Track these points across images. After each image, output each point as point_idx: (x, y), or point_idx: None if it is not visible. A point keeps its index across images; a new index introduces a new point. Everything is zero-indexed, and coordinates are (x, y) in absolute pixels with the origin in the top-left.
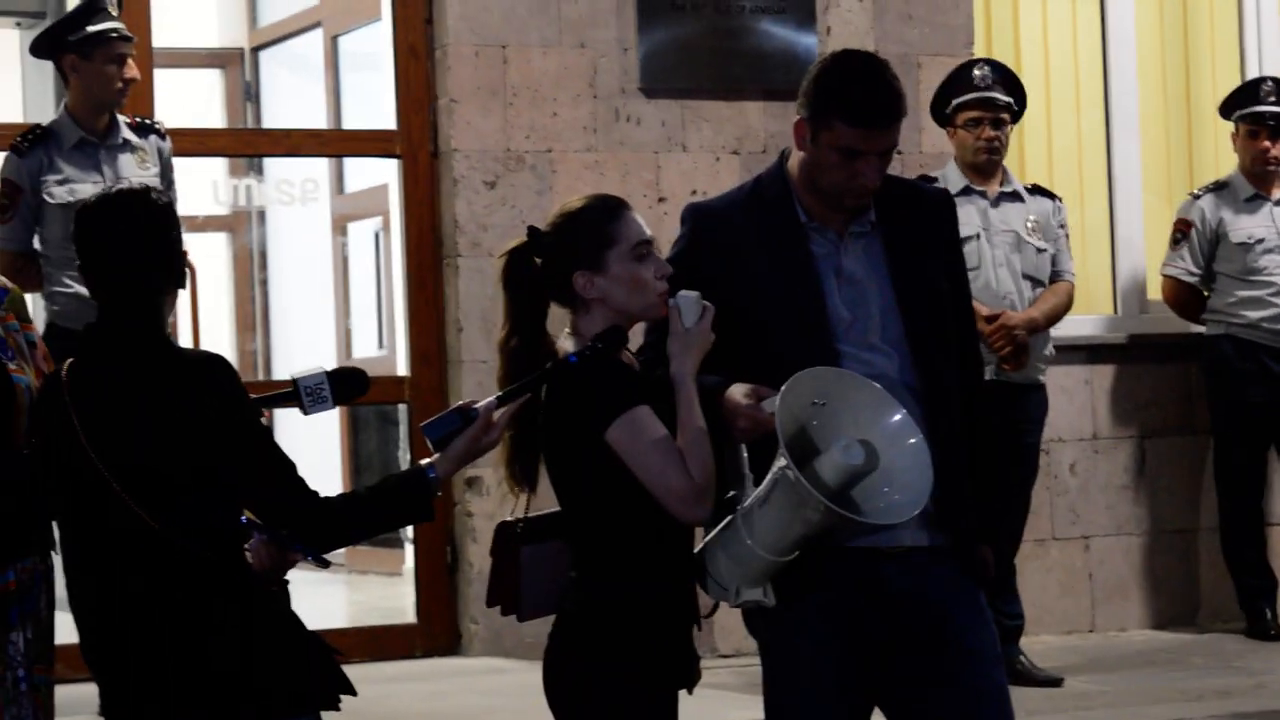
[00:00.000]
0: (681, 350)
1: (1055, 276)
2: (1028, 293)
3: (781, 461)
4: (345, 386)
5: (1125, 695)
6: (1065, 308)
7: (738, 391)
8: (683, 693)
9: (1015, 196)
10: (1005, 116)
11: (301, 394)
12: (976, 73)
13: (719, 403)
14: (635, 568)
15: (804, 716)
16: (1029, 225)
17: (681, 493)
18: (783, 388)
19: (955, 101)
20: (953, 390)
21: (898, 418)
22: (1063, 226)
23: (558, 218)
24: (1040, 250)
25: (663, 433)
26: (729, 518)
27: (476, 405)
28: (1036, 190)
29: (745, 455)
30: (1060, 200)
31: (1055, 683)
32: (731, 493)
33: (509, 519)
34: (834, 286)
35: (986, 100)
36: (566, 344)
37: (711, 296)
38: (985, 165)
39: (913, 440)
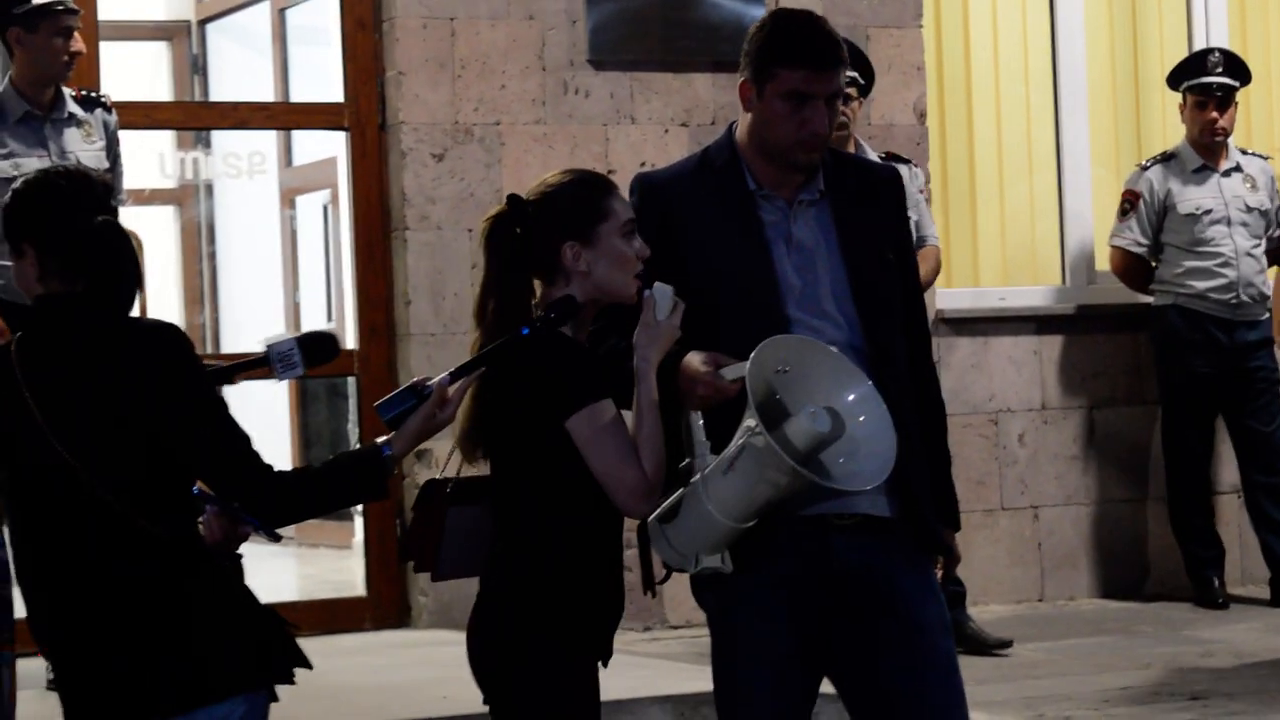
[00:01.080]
0: (648, 343)
1: (920, 242)
2: None
3: (752, 425)
4: (316, 351)
5: (1074, 663)
6: (934, 272)
7: (696, 359)
8: (626, 664)
9: None
10: (852, 91)
11: (274, 360)
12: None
13: (676, 370)
14: (565, 545)
15: (751, 688)
16: None
17: (632, 487)
18: (753, 353)
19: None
20: (900, 359)
21: (861, 388)
22: (922, 191)
23: (546, 188)
24: None
25: (622, 428)
26: (687, 485)
27: (430, 382)
28: (892, 158)
29: (701, 424)
30: (915, 165)
31: (1006, 645)
32: (685, 461)
33: (438, 478)
34: (784, 254)
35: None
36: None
37: (660, 266)
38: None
39: (877, 409)
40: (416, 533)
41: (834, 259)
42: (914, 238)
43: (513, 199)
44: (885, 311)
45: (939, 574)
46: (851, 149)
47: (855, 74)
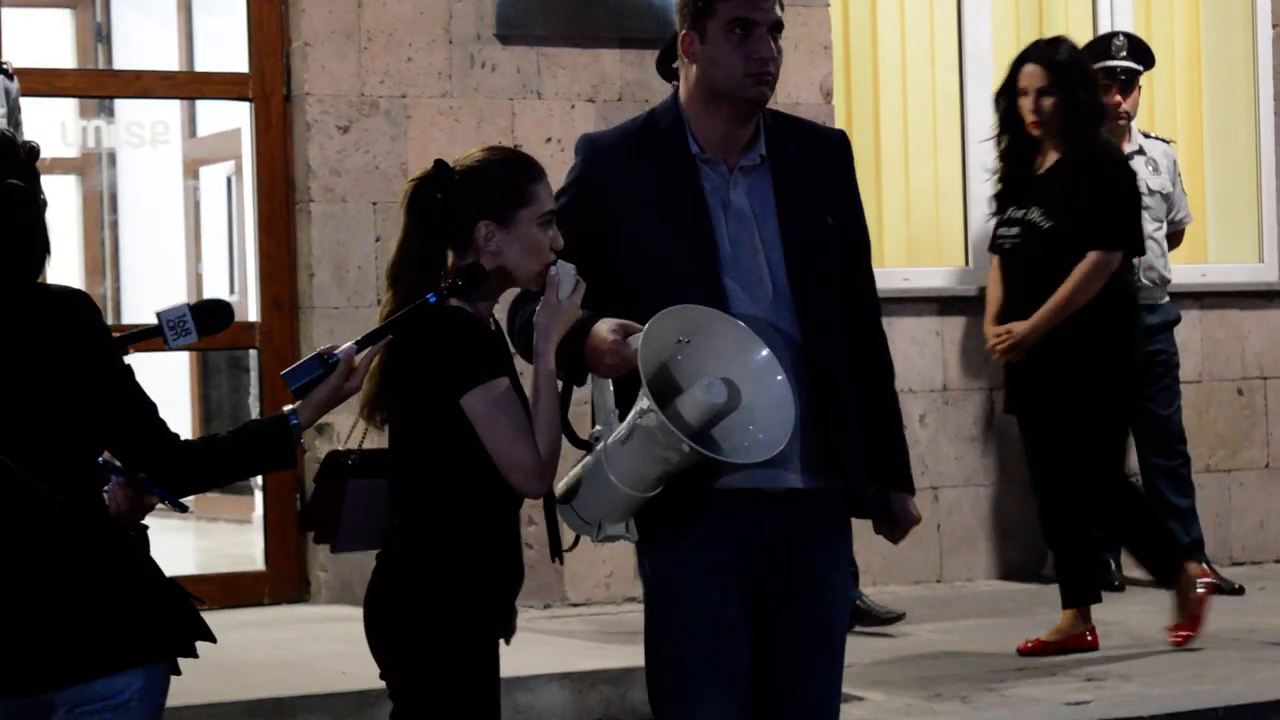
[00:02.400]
0: (549, 322)
1: None
2: None
3: (643, 401)
4: (208, 318)
5: (972, 644)
6: None
7: (604, 327)
8: (527, 642)
9: None
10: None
11: (165, 327)
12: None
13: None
14: (462, 518)
15: (693, 649)
16: None
17: (526, 467)
18: (647, 325)
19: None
20: (834, 330)
21: (761, 355)
22: None
23: (474, 161)
24: None
25: (518, 407)
26: (592, 454)
27: (336, 351)
28: None
29: (611, 391)
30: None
31: (898, 617)
32: (597, 428)
33: (340, 449)
34: (721, 221)
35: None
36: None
37: (598, 230)
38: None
39: (776, 378)
40: (318, 504)
41: (771, 227)
42: None
43: (439, 164)
44: (821, 280)
45: (895, 537)
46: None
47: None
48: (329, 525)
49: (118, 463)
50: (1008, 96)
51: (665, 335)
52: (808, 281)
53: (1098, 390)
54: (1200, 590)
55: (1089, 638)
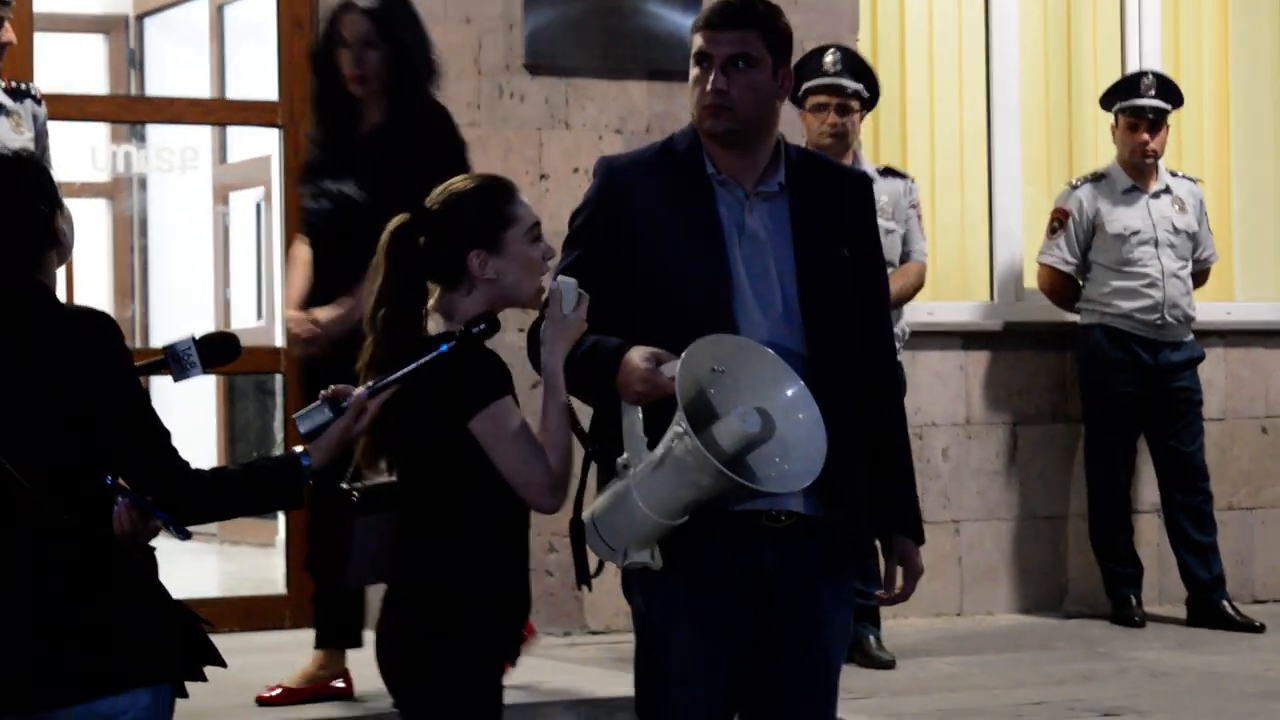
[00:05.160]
0: (555, 337)
1: (905, 257)
2: None
3: (679, 426)
4: (214, 351)
5: (990, 678)
6: (915, 288)
7: (637, 355)
8: (546, 669)
9: None
10: (854, 104)
11: (171, 360)
12: (827, 59)
13: (618, 365)
14: (470, 548)
15: (676, 689)
16: (878, 207)
17: (540, 483)
18: (684, 353)
19: (805, 86)
20: (845, 362)
21: (794, 389)
22: (914, 206)
23: (449, 195)
24: (889, 231)
25: (525, 425)
26: (621, 480)
27: (347, 396)
28: (888, 172)
29: (640, 418)
30: (912, 180)
31: (889, 665)
32: (625, 455)
33: (343, 485)
34: (735, 243)
35: (834, 86)
36: (433, 322)
37: (615, 251)
38: (830, 149)
39: (808, 412)
40: (322, 543)
41: (785, 253)
42: (900, 251)
43: (416, 207)
44: (832, 311)
45: (900, 589)
46: (849, 160)
47: (860, 86)
48: (337, 564)
49: (125, 485)
50: (326, 48)
51: (702, 363)
52: (819, 309)
53: None
54: None
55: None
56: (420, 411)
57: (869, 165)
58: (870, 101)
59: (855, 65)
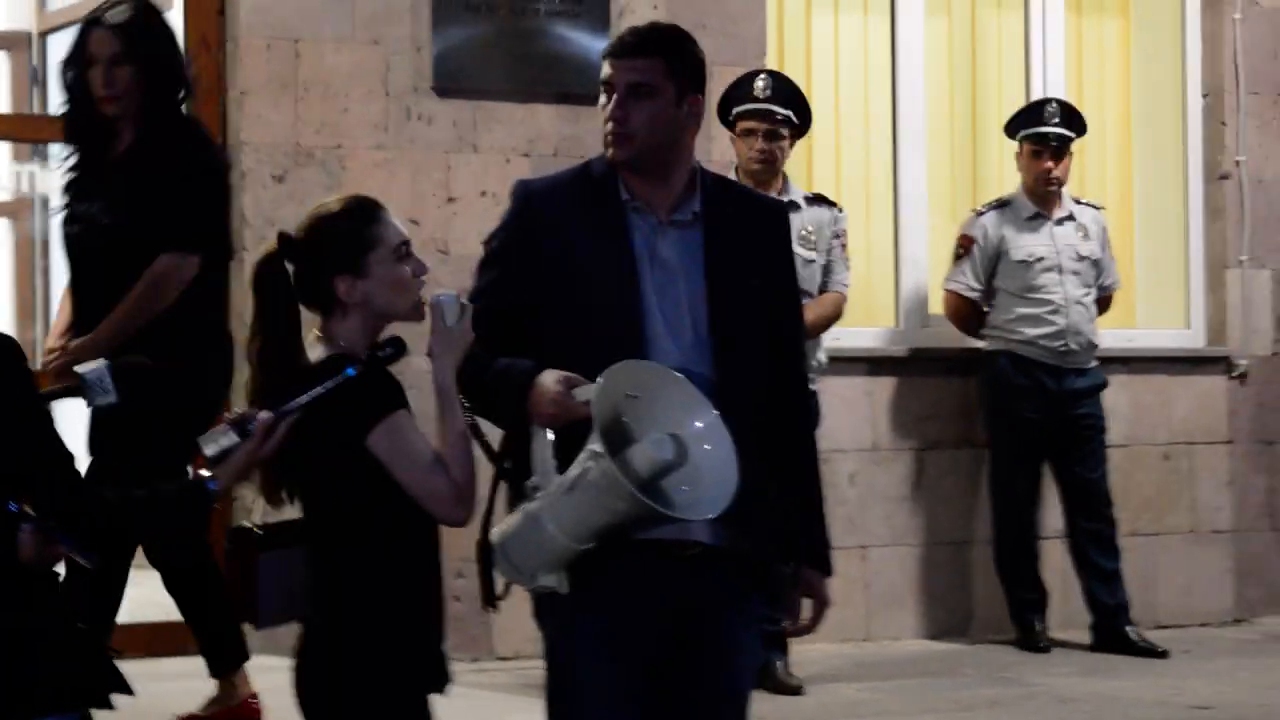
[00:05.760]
0: (443, 350)
1: (824, 287)
2: None
3: (595, 449)
4: (129, 378)
5: (898, 703)
6: (831, 318)
7: (549, 378)
8: (453, 696)
9: (792, 206)
10: (784, 130)
11: (86, 386)
12: (758, 84)
13: (530, 387)
14: (385, 574)
15: (586, 716)
16: (800, 235)
17: (444, 496)
18: (602, 376)
19: (735, 110)
20: (753, 390)
21: (708, 419)
22: (839, 237)
23: (312, 221)
24: (808, 261)
25: (423, 437)
26: (531, 502)
27: (253, 418)
28: (818, 199)
29: (551, 440)
30: (841, 210)
31: (797, 691)
32: (534, 478)
33: (245, 524)
34: (647, 270)
35: (763, 112)
36: (316, 349)
37: (532, 273)
38: (759, 174)
39: (721, 442)
40: (233, 584)
41: (697, 281)
42: (818, 281)
43: (282, 237)
44: (741, 339)
45: (807, 620)
46: (779, 186)
47: (789, 113)
48: (248, 603)
49: (29, 509)
50: (76, 67)
51: (617, 388)
52: (730, 338)
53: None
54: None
55: None
56: (317, 435)
57: (799, 192)
58: (801, 128)
59: (786, 91)
